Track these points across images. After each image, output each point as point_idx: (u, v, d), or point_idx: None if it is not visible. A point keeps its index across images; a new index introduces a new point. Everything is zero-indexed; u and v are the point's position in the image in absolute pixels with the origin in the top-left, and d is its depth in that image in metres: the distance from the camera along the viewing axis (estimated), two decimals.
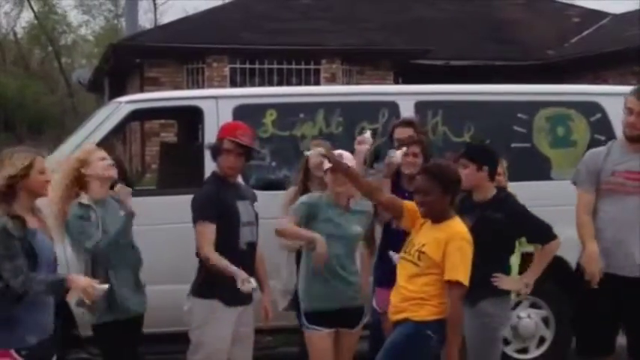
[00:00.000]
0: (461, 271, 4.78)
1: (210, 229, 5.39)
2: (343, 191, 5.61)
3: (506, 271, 5.50)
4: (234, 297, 5.39)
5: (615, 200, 5.42)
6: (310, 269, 5.52)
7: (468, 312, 5.10)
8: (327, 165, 5.44)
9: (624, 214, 5.40)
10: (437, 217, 4.93)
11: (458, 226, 4.92)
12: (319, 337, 5.55)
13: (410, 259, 4.92)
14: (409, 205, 5.11)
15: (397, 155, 5.85)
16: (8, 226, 4.34)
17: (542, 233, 5.45)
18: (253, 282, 5.33)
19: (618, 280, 5.39)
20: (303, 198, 5.70)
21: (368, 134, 6.12)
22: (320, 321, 5.55)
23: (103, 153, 5.45)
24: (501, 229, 5.30)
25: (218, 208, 5.43)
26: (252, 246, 5.59)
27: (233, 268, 5.31)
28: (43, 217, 4.68)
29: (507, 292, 5.49)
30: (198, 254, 5.50)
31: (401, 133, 6.27)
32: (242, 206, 5.53)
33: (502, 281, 5.37)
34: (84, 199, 5.26)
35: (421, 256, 4.86)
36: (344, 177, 5.42)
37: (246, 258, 5.52)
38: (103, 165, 5.36)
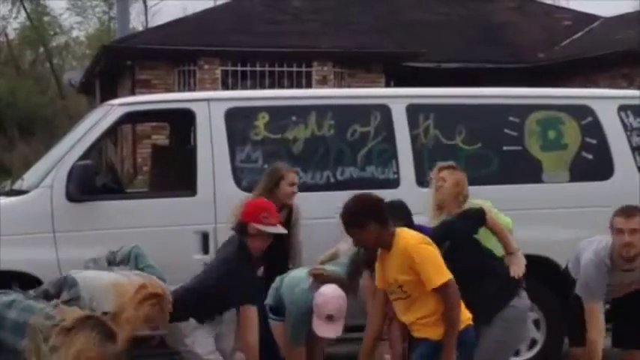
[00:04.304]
0: (437, 273, 4.81)
1: (255, 314, 5.50)
2: None
3: (483, 291, 5.38)
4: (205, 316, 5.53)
5: None
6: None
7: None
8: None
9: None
10: (384, 245, 4.97)
11: (403, 237, 4.95)
12: (282, 327, 5.78)
13: (399, 297, 4.98)
14: (380, 287, 5.16)
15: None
16: None
17: (473, 221, 5.49)
18: None
19: None
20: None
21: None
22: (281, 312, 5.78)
23: None
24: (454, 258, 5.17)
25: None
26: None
27: None
28: None
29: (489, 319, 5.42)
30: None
31: None
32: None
33: None
34: None
35: (404, 288, 4.91)
36: None
37: None
38: None
